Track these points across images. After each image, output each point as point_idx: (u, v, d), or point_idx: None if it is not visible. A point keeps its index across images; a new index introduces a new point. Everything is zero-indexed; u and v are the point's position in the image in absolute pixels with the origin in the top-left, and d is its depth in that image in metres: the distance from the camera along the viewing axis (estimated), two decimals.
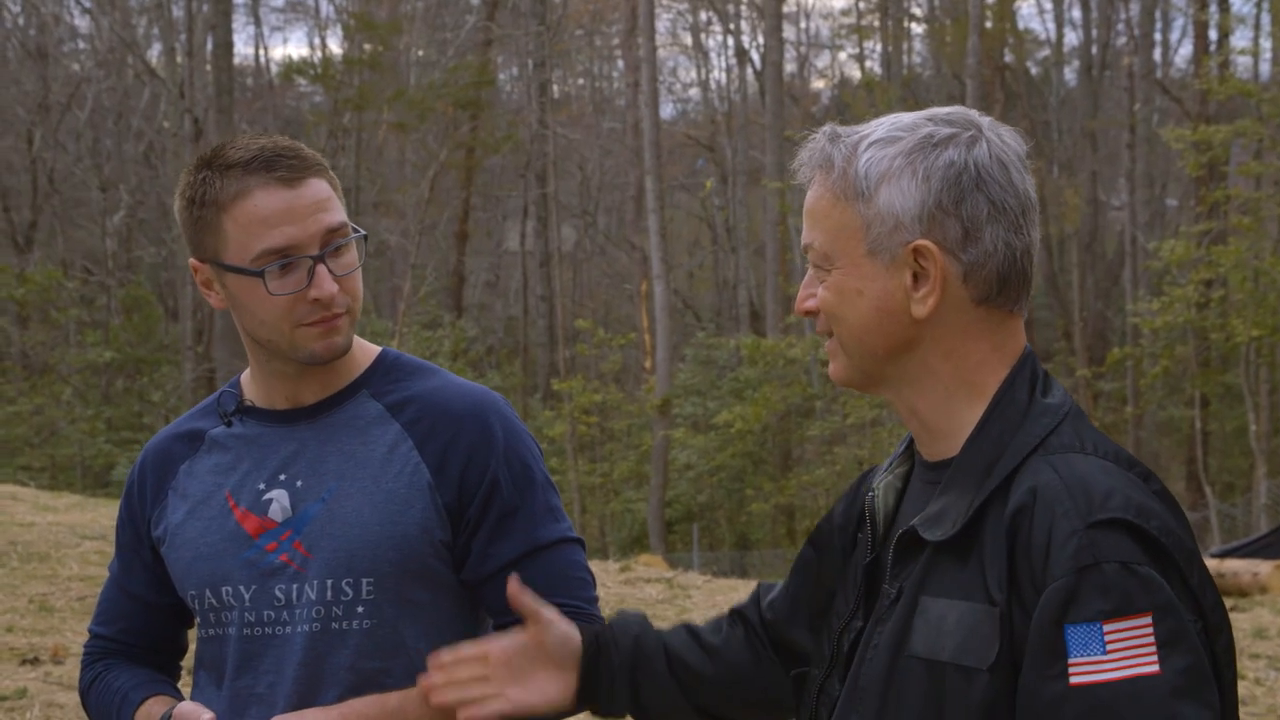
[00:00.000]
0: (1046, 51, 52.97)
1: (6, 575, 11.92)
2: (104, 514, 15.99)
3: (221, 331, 35.08)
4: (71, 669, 8.70)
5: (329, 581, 2.71)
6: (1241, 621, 12.10)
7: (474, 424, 2.80)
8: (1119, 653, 1.90)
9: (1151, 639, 1.90)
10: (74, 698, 7.94)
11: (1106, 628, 1.91)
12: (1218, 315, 32.27)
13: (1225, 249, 31.06)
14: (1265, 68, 42.61)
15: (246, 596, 2.73)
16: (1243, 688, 9.57)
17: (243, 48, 64.17)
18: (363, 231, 2.76)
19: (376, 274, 48.63)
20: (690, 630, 2.63)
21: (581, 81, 60.99)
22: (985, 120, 2.19)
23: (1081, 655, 1.91)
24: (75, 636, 9.68)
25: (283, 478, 2.76)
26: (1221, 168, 35.42)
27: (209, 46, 37.59)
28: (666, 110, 56.11)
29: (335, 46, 50.56)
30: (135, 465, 2.96)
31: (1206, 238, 32.79)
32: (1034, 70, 51.63)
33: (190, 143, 36.82)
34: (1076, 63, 51.16)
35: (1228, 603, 10.60)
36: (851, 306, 2.18)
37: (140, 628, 2.98)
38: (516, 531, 2.80)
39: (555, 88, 49.19)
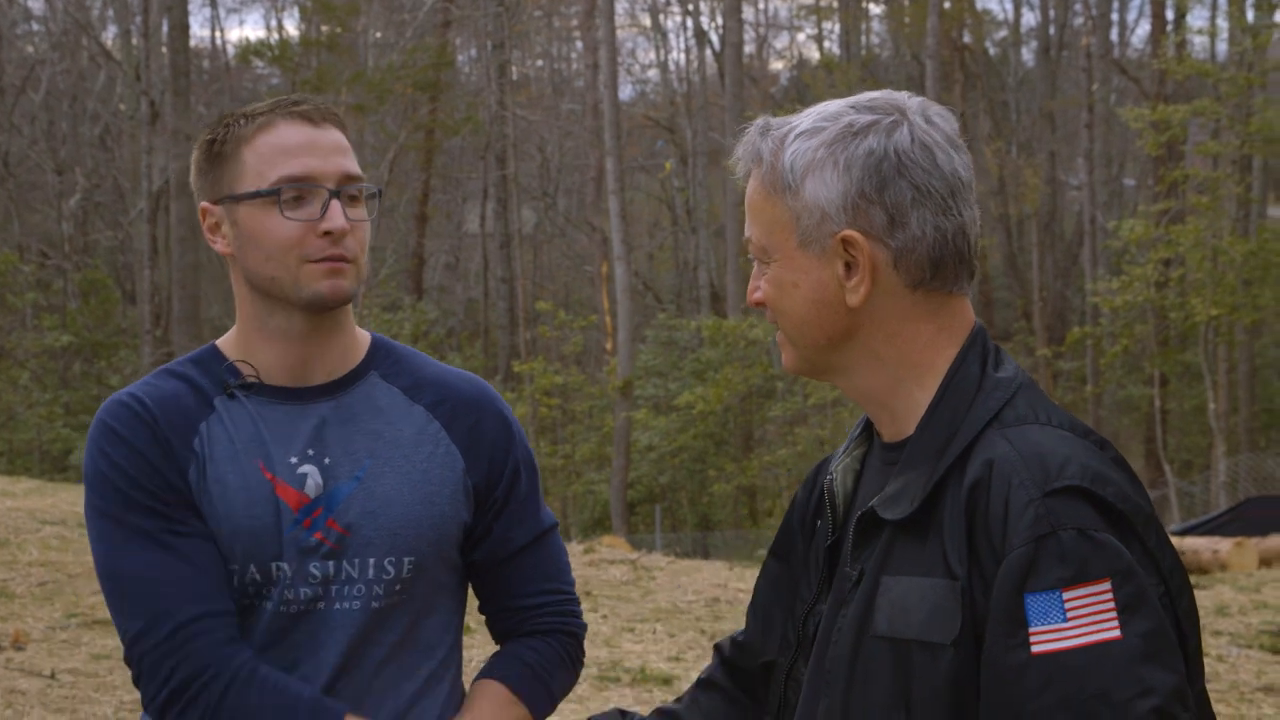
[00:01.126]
0: (1004, 32, 53.12)
1: None
2: (63, 499, 15.90)
3: (180, 315, 34.91)
4: (33, 655, 8.64)
5: (370, 560, 2.69)
6: (1203, 599, 12.16)
7: (491, 410, 2.86)
8: (1079, 620, 1.90)
9: (1112, 604, 1.91)
10: (35, 684, 7.89)
11: (1066, 595, 1.91)
12: (1176, 294, 32.48)
13: (1184, 228, 31.25)
14: (1222, 47, 42.76)
15: (289, 573, 2.66)
16: (1205, 665, 9.60)
17: (199, 30, 63.98)
18: (379, 187, 2.77)
19: None
20: (669, 714, 2.59)
21: (540, 63, 60.86)
22: (914, 103, 2.18)
23: (1042, 624, 1.92)
24: (35, 622, 9.61)
25: (311, 453, 2.70)
26: (1179, 147, 35.67)
27: (165, 28, 37.28)
28: (626, 92, 56.05)
29: (292, 28, 50.40)
30: (133, 415, 2.66)
31: (1165, 217, 32.97)
32: (992, 51, 51.76)
33: (146, 125, 36.61)
34: (1035, 43, 51.32)
35: None
36: (789, 299, 2.20)
37: (221, 580, 2.63)
38: (529, 516, 2.88)
39: (514, 69, 49.01)
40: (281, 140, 2.66)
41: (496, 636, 2.96)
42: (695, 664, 9.66)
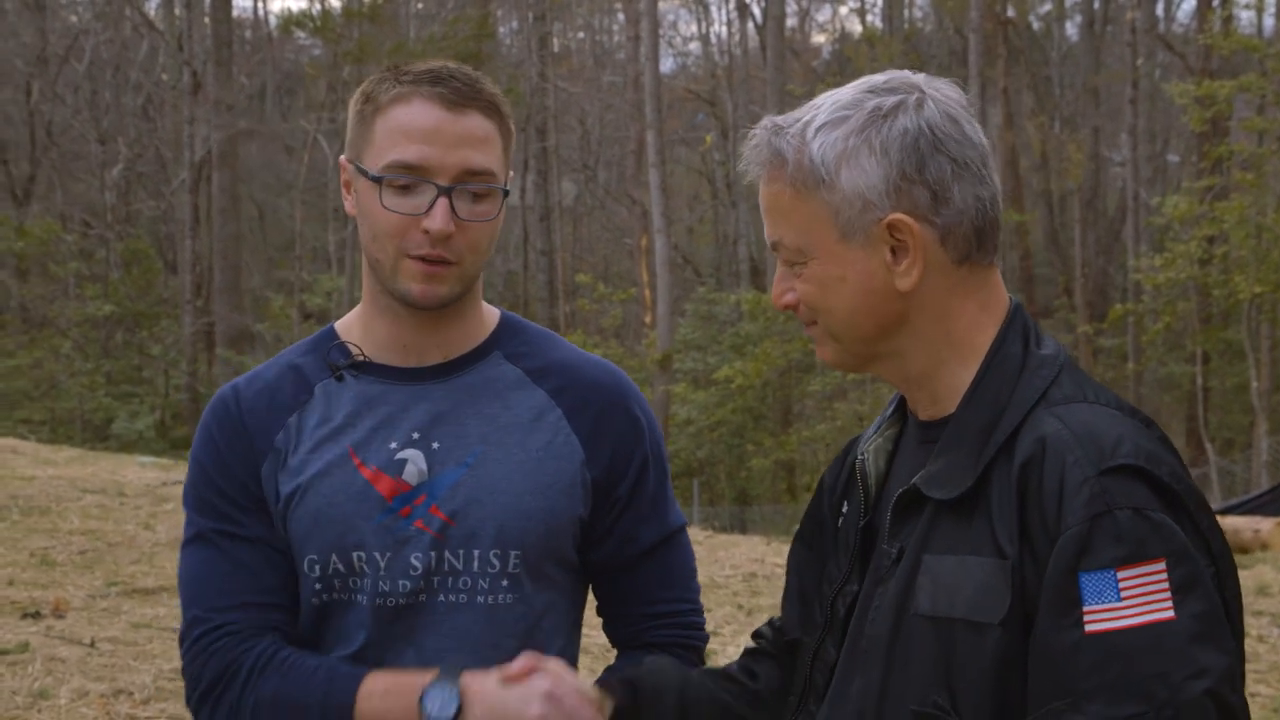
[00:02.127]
0: (1049, 6, 52.75)
1: (7, 529, 11.91)
2: (104, 467, 16.00)
3: (221, 285, 35.11)
4: (73, 623, 8.69)
5: (475, 552, 2.56)
6: (1244, 579, 12.00)
7: (621, 401, 2.71)
8: (1134, 599, 1.89)
9: (1166, 585, 1.89)
10: (76, 652, 7.93)
11: (1121, 575, 1.89)
12: (1220, 272, 32.23)
13: (1228, 205, 31.00)
14: (1269, 22, 42.49)
15: (381, 564, 2.54)
16: (1246, 645, 9.54)
17: (241, 0, 63.94)
18: (508, 187, 2.60)
19: None
20: (729, 676, 2.57)
21: (581, 35, 60.80)
22: (921, 78, 2.16)
23: (1096, 603, 1.90)
24: (76, 590, 9.67)
25: (416, 437, 2.58)
26: (1224, 123, 35.35)
27: None
28: (667, 64, 55.99)
29: None
30: (225, 410, 2.66)
31: (1209, 194, 32.70)
32: (1036, 25, 51.43)
33: (188, 95, 36.76)
34: (1079, 17, 51.01)
35: None
36: (836, 295, 2.15)
37: (280, 584, 2.60)
38: (656, 516, 2.73)
39: (555, 41, 48.98)
40: (408, 121, 2.50)
41: (614, 643, 2.81)
42: (732, 639, 9.65)
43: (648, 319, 40.15)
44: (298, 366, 2.67)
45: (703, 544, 14.07)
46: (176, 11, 41.07)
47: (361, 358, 2.64)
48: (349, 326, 2.71)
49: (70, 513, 12.62)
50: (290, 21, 44.12)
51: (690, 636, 2.76)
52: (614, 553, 2.70)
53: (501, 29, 52.21)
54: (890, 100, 2.11)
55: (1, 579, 9.95)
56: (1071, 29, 52.87)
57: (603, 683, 2.51)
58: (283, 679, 2.51)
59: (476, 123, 2.53)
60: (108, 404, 37.10)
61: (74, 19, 49.11)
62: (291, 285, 41.17)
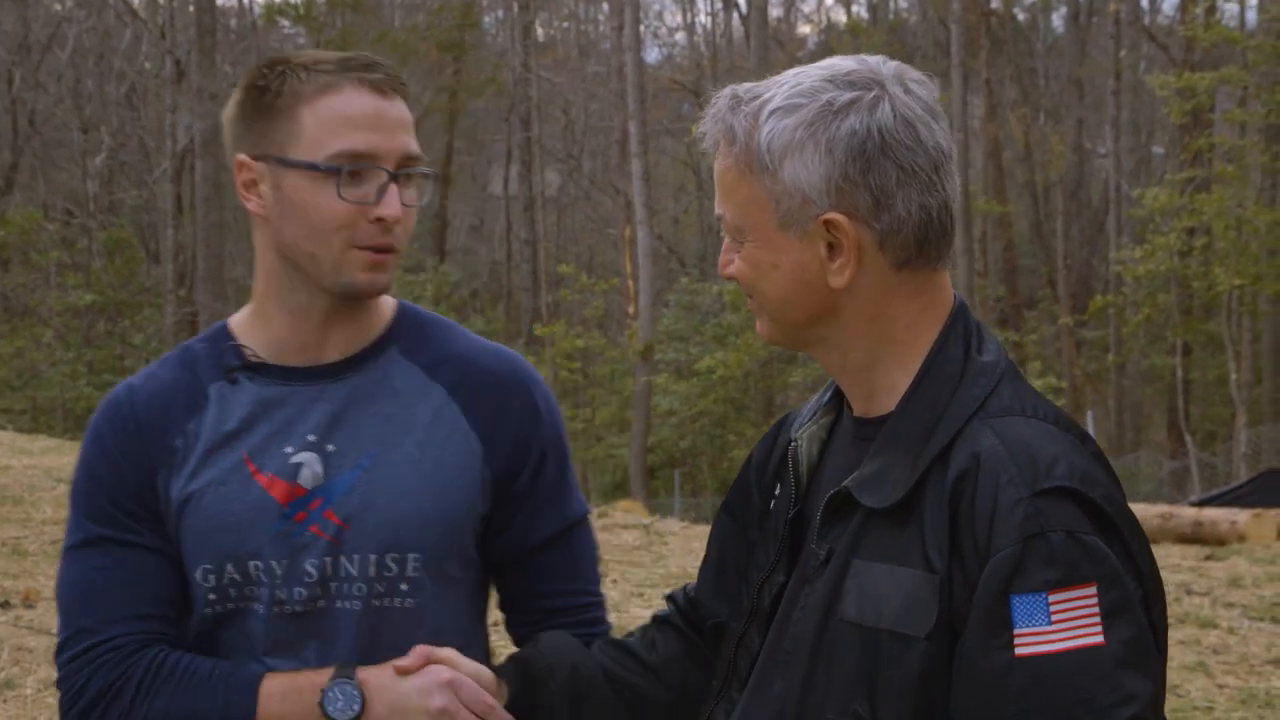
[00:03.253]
0: None
1: None
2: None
3: (203, 274, 35.00)
4: (43, 613, 8.67)
5: (371, 556, 2.48)
6: (1218, 570, 12.12)
7: (519, 390, 2.64)
8: (1064, 623, 1.88)
9: (1096, 609, 1.88)
10: (44, 641, 7.92)
11: (1052, 598, 1.88)
12: (1200, 264, 32.27)
13: (1209, 197, 31.04)
14: (1251, 15, 42.50)
15: (279, 572, 2.47)
16: (1216, 636, 9.60)
17: None
18: (435, 170, 2.58)
19: None
20: (625, 649, 2.56)
21: (566, 25, 60.75)
22: (890, 70, 2.11)
23: (1027, 625, 1.89)
24: (47, 580, 9.62)
25: (313, 439, 2.51)
26: (1207, 115, 35.38)
27: None
28: (652, 54, 55.97)
29: None
30: (118, 413, 2.57)
31: (1190, 185, 32.77)
32: (1020, 16, 51.45)
33: (171, 84, 36.63)
34: (1064, 9, 50.99)
35: (1205, 552, 10.55)
36: (767, 279, 2.14)
37: (170, 595, 2.52)
38: (554, 507, 2.66)
39: (539, 31, 48.92)
40: (346, 109, 2.43)
41: (516, 639, 2.73)
42: None
43: (630, 309, 40.16)
44: (193, 366, 2.59)
45: (677, 535, 14.10)
46: (160, 0, 40.96)
47: (256, 359, 2.56)
48: (244, 325, 2.62)
49: (44, 502, 12.57)
50: (274, 10, 44.05)
51: (593, 633, 2.67)
52: (512, 545, 2.63)
53: (486, 18, 52.21)
54: (846, 96, 2.06)
55: None
56: (1057, 20, 52.93)
57: (497, 667, 2.49)
58: (176, 689, 2.43)
59: (403, 109, 2.50)
60: (89, 393, 36.95)
61: (57, 7, 48.89)
62: None
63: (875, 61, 2.13)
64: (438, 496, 2.52)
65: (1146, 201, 32.52)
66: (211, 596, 2.50)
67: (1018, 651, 1.89)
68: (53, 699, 6.93)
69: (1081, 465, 1.98)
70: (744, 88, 2.16)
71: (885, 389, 2.15)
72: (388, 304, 2.65)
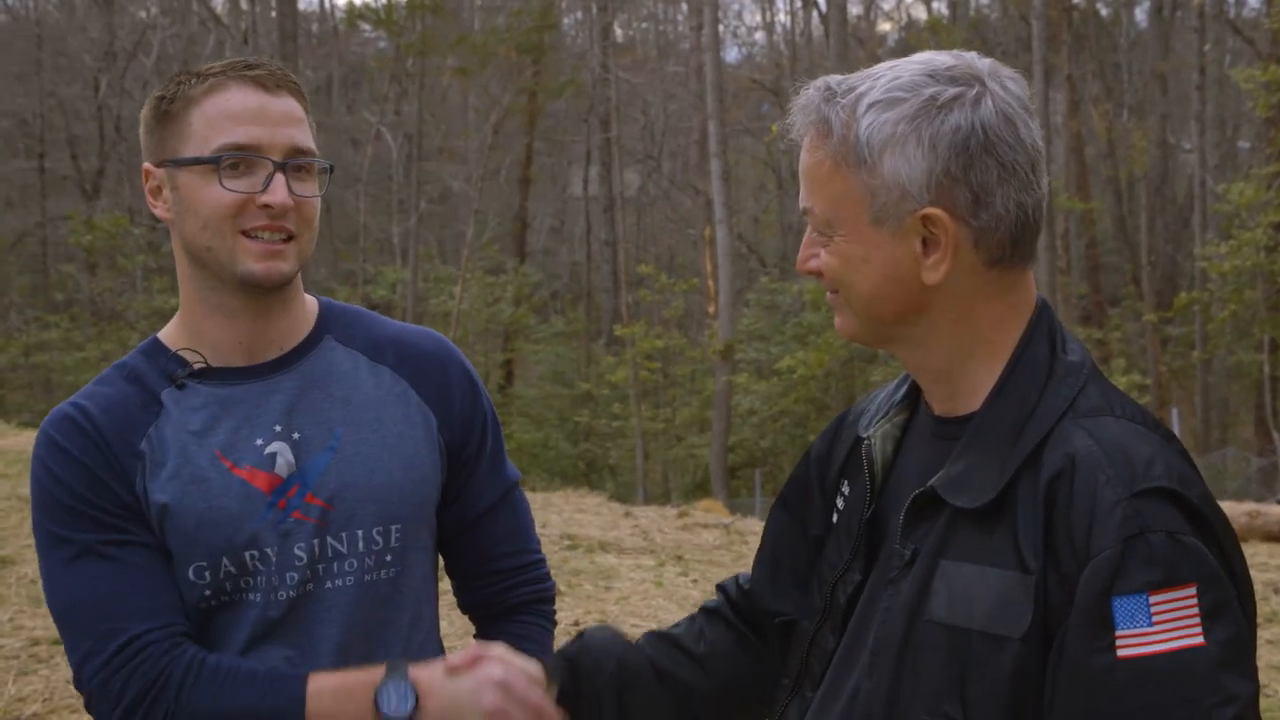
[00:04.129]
0: None
1: None
2: None
3: None
4: None
5: (359, 532, 2.58)
6: None
7: (455, 364, 2.79)
8: (1165, 624, 1.87)
9: (1196, 610, 1.87)
10: None
11: (1153, 599, 1.87)
12: None
13: None
14: None
15: (274, 559, 2.54)
16: None
17: None
18: (329, 163, 2.65)
19: (440, 220, 48.72)
20: (672, 641, 2.57)
21: (645, 25, 60.79)
22: (985, 66, 2.10)
23: (1128, 627, 1.88)
24: None
25: (278, 429, 2.59)
26: None
27: None
28: (731, 54, 55.92)
29: None
30: (76, 426, 2.56)
31: (1277, 180, 32.33)
32: (1103, 11, 50.96)
33: None
34: (1146, 3, 50.48)
35: None
36: (858, 273, 2.12)
37: (174, 598, 2.54)
38: (497, 472, 2.82)
39: (618, 31, 49.01)
40: (230, 105, 2.53)
41: (467, 608, 2.88)
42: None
43: (710, 309, 40.13)
44: (137, 378, 2.63)
45: (758, 534, 14.04)
46: (243, 5, 41.30)
47: (202, 364, 2.62)
48: (174, 337, 2.68)
49: None
50: (355, 15, 44.39)
51: (541, 590, 2.86)
52: (462, 512, 2.77)
53: (565, 20, 52.31)
54: (949, 91, 2.05)
55: None
56: (1140, 14, 52.39)
57: (545, 663, 2.52)
58: (221, 688, 2.45)
59: (291, 104, 2.59)
60: None
61: (142, 14, 49.49)
62: (356, 277, 41.42)
63: (971, 57, 2.11)
64: (408, 468, 2.65)
65: (1232, 196, 32.13)
66: (207, 593, 2.55)
67: (1120, 653, 1.88)
68: None
69: (1177, 466, 1.98)
70: (836, 79, 2.15)
71: (970, 388, 2.14)
72: (311, 302, 2.76)
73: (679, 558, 12.32)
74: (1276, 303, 34.59)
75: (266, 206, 2.52)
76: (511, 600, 2.83)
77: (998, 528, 2.00)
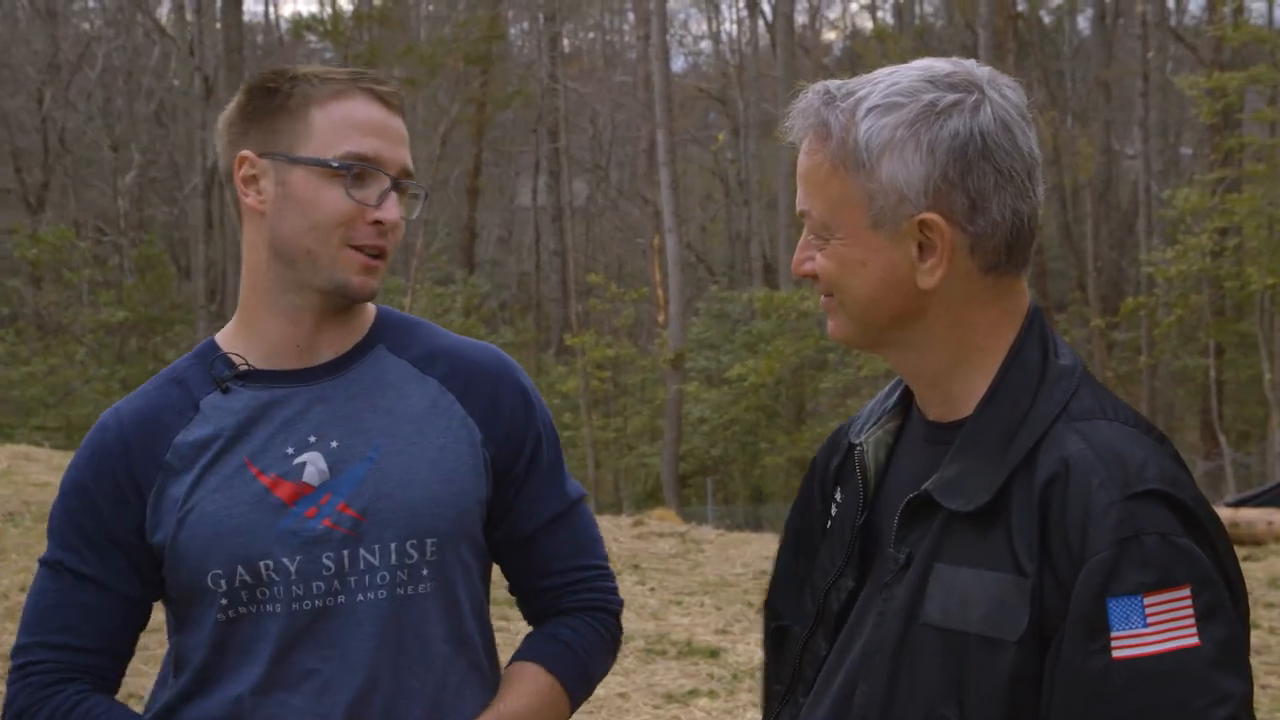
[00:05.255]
0: (1059, 0, 52.64)
1: (21, 535, 11.95)
2: None
3: (235, 290, 35.10)
4: None
5: (392, 545, 2.54)
6: (1256, 571, 12.08)
7: (509, 379, 2.73)
8: (1160, 625, 1.88)
9: (1190, 611, 1.89)
10: None
11: (1147, 600, 1.89)
12: (1232, 263, 32.10)
13: (1240, 197, 30.89)
14: None
15: (292, 569, 2.51)
16: (1258, 637, 9.57)
17: (252, 5, 64.25)
18: (425, 189, 2.67)
19: None
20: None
21: (592, 35, 60.82)
22: (984, 73, 2.11)
23: (1124, 629, 1.89)
24: None
25: (313, 439, 2.56)
26: (1236, 115, 35.26)
27: (218, 4, 37.48)
28: (678, 63, 55.98)
29: (345, 2, 50.45)
30: (104, 438, 2.62)
31: (1221, 186, 32.63)
32: (1047, 19, 51.31)
33: (201, 101, 36.78)
34: (1090, 11, 50.90)
35: (1242, 553, 10.54)
36: (855, 276, 2.12)
37: (112, 629, 2.61)
38: (554, 489, 2.74)
39: (566, 41, 49.02)
40: (355, 114, 2.53)
41: (530, 618, 2.81)
42: (742, 636, 9.66)
43: (660, 318, 40.15)
44: (182, 382, 2.65)
45: (713, 543, 14.10)
46: (188, 17, 41.10)
47: (246, 367, 2.61)
48: (231, 338, 2.68)
49: None
50: (301, 25, 44.24)
51: (605, 600, 2.77)
52: (515, 528, 2.70)
53: (512, 30, 52.25)
54: (948, 97, 2.06)
55: (15, 585, 9.98)
56: (1083, 22, 52.79)
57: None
58: None
59: (403, 126, 2.61)
60: None
61: (86, 26, 49.21)
62: None
63: (970, 64, 2.12)
64: (446, 482, 2.59)
65: (1177, 202, 32.38)
66: (224, 602, 2.53)
67: (1115, 654, 1.89)
68: None
69: (1169, 468, 1.99)
70: (835, 84, 2.15)
71: (963, 393, 2.15)
72: (369, 308, 2.73)
73: (636, 566, 12.33)
74: (1222, 308, 34.93)
75: (377, 222, 2.52)
76: (564, 604, 2.76)
77: (992, 531, 2.01)
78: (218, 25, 37.89)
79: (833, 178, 2.11)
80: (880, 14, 54.63)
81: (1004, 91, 2.10)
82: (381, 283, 2.59)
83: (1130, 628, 1.89)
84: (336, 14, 44.18)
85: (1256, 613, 10.31)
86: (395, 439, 2.59)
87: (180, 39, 41.04)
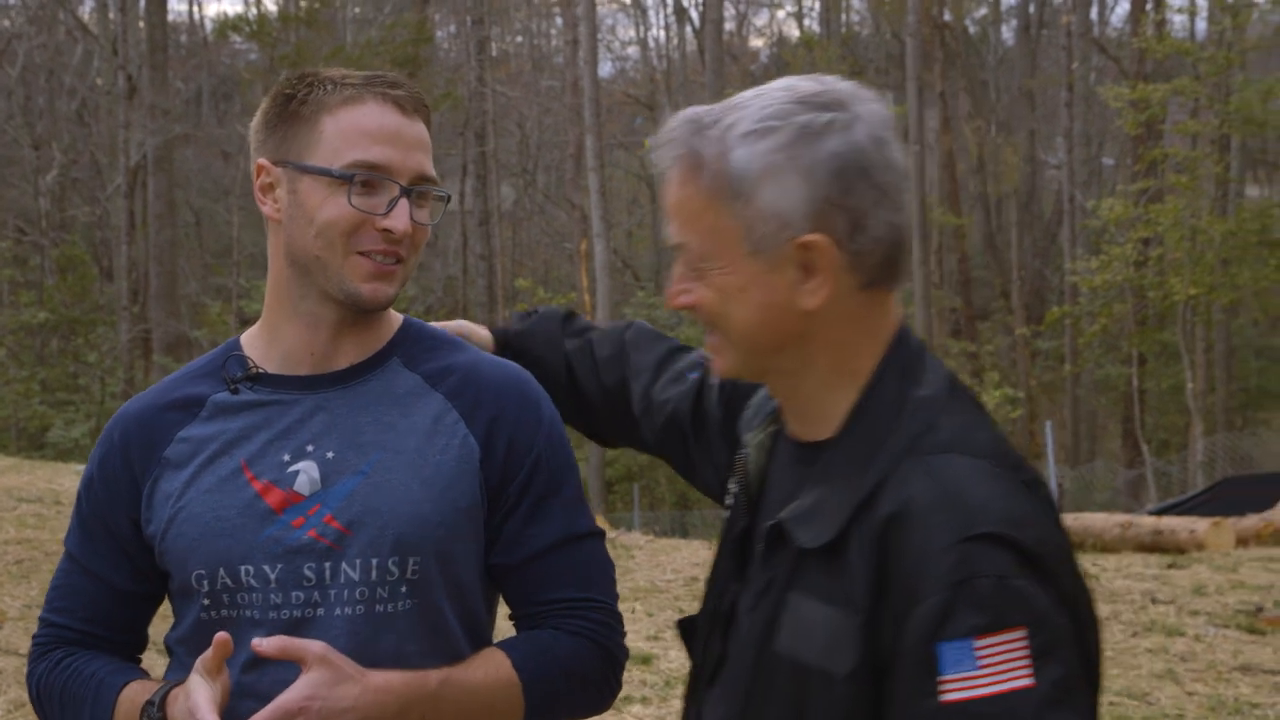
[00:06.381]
0: (985, 10, 53.13)
1: None
2: (40, 476, 15.83)
3: (157, 292, 34.83)
4: (10, 633, 8.61)
5: (374, 560, 2.50)
6: (1180, 579, 12.18)
7: (519, 399, 2.66)
8: (991, 668, 1.87)
9: (1026, 652, 1.88)
10: (12, 662, 7.86)
11: (978, 644, 1.88)
12: (1155, 274, 32.44)
13: (1163, 207, 31.26)
14: (1202, 26, 42.86)
15: (272, 576, 2.50)
16: (1183, 644, 9.66)
17: (176, 4, 63.68)
18: (449, 193, 2.64)
19: None
20: (593, 357, 2.85)
21: (520, 39, 60.79)
22: (847, 89, 2.10)
23: (954, 672, 1.88)
24: (12, 600, 9.58)
25: (311, 448, 2.55)
26: (1159, 126, 35.66)
27: (142, 2, 37.14)
28: (605, 68, 56.00)
29: (271, 3, 50.17)
30: (111, 432, 2.67)
31: (1144, 196, 32.99)
32: (972, 29, 51.76)
33: (124, 100, 36.45)
34: (1014, 21, 51.38)
35: (1165, 561, 10.64)
36: (736, 303, 2.11)
37: (105, 615, 2.69)
38: (554, 517, 2.65)
39: (493, 45, 48.90)
40: (367, 121, 2.50)
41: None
42: (674, 643, 9.64)
43: None
44: (196, 379, 2.68)
45: (644, 549, 14.06)
46: (111, 15, 40.72)
47: (257, 370, 2.62)
48: (253, 338, 2.69)
49: (6, 522, 12.48)
50: (226, 25, 43.91)
51: (602, 634, 2.65)
52: (508, 552, 2.63)
53: (439, 33, 52.11)
54: (822, 118, 2.04)
55: None
56: (1007, 33, 53.30)
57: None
58: (64, 684, 2.67)
59: (423, 130, 2.57)
60: (43, 412, 36.74)
61: (6, 23, 48.61)
62: (229, 291, 40.95)
63: (831, 81, 2.11)
64: (438, 500, 2.54)
65: (1101, 213, 32.73)
66: (206, 602, 2.55)
67: (943, 698, 1.88)
68: (23, 719, 6.87)
69: (1014, 508, 1.97)
70: (702, 110, 2.12)
71: (826, 416, 2.14)
72: (394, 319, 2.70)
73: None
74: (1144, 317, 35.28)
75: (386, 231, 2.49)
76: (556, 624, 2.64)
77: (835, 565, 2.01)
78: (141, 24, 37.56)
79: (708, 209, 2.09)
80: (807, 22, 54.92)
81: (870, 106, 2.09)
82: (399, 290, 2.56)
83: (960, 670, 1.88)
84: (262, 15, 43.91)
85: (1181, 620, 10.41)
86: (392, 454, 2.56)
87: (103, 37, 40.64)
